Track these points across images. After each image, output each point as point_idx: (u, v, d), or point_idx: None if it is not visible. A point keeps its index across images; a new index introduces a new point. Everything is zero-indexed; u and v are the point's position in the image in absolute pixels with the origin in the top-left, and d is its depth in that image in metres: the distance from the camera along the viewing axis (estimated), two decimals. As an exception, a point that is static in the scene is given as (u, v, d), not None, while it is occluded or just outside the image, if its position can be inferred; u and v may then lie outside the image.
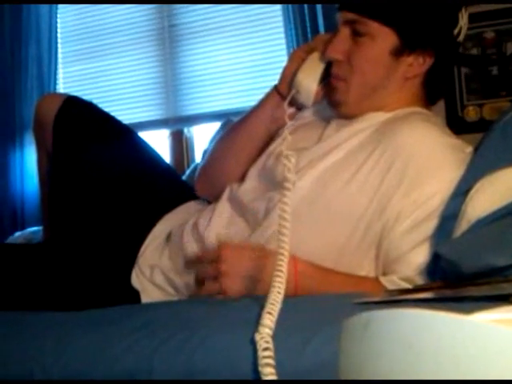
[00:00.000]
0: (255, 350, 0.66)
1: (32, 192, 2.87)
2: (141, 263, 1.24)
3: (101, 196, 1.35)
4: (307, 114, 1.27)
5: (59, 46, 3.13)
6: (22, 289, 1.24)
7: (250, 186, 1.21)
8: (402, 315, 0.27)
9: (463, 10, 1.15)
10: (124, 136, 1.45)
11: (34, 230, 2.29)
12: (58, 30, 3.12)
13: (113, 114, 1.50)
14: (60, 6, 3.11)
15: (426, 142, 1.07)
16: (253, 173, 1.23)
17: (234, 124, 1.36)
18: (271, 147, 1.25)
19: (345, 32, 1.14)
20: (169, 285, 1.20)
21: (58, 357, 0.82)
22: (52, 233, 1.44)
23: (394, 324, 0.28)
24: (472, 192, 0.96)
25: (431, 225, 1.02)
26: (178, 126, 2.99)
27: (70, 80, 3.15)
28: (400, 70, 1.14)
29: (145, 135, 2.75)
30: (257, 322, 0.71)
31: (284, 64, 1.30)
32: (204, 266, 1.04)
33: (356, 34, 1.13)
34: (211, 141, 2.30)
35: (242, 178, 1.26)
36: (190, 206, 1.35)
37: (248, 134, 1.29)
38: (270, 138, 1.28)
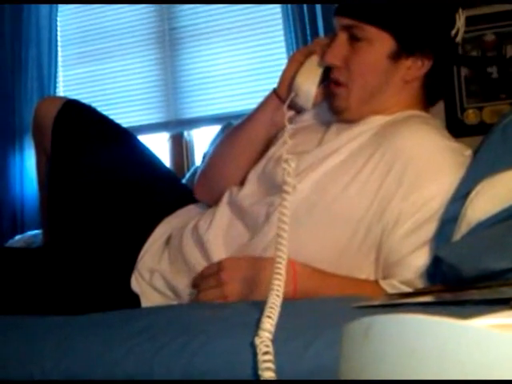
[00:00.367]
0: (255, 354, 0.66)
1: (32, 195, 2.87)
2: (140, 267, 1.24)
3: (100, 200, 1.35)
4: (306, 117, 1.27)
5: (59, 48, 3.13)
6: (21, 293, 1.24)
7: (250, 190, 1.21)
8: (404, 320, 0.27)
9: (460, 11, 1.15)
10: (123, 139, 1.45)
11: (34, 233, 2.29)
12: (58, 33, 3.12)
13: (112, 117, 1.50)
14: (60, 8, 3.11)
15: (426, 145, 1.07)
16: (252, 177, 1.23)
17: (233, 128, 1.36)
18: (271, 151, 1.25)
19: (342, 37, 1.14)
20: (168, 289, 1.20)
21: (58, 361, 0.82)
22: (51, 236, 1.44)
23: (395, 329, 0.27)
24: (472, 195, 0.96)
25: (431, 228, 1.01)
26: (177, 129, 2.99)
27: (70, 83, 3.15)
28: (399, 73, 1.14)
29: (145, 138, 2.76)
30: (256, 326, 0.71)
31: (283, 67, 1.30)
32: (206, 279, 1.06)
33: (353, 39, 1.13)
34: (211, 144, 2.30)
35: (241, 182, 1.26)
36: (190, 210, 1.34)
37: (247, 137, 1.29)
38: (270, 142, 1.28)
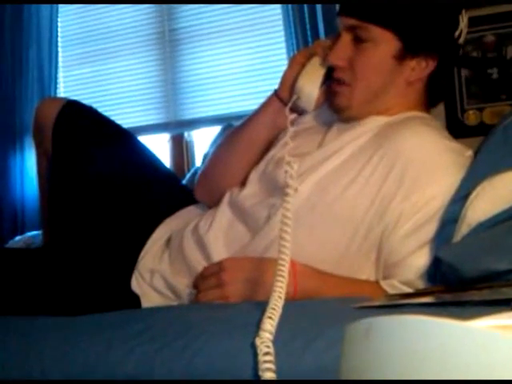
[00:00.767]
0: (256, 355, 0.66)
1: (32, 196, 2.87)
2: (141, 268, 1.24)
3: (100, 201, 1.35)
4: (307, 119, 1.27)
5: (60, 49, 3.13)
6: (22, 293, 1.24)
7: (251, 191, 1.21)
8: (405, 321, 0.27)
9: (463, 13, 1.15)
10: (124, 140, 1.45)
11: (34, 234, 2.29)
12: (59, 34, 3.12)
13: (113, 117, 1.50)
14: (61, 9, 3.11)
15: (426, 146, 1.07)
16: (253, 178, 1.23)
17: (234, 129, 1.36)
18: (271, 152, 1.24)
19: (346, 38, 1.13)
20: (169, 289, 1.20)
21: (58, 361, 0.82)
22: (52, 237, 1.44)
23: (396, 330, 0.27)
24: (472, 196, 0.96)
25: (431, 228, 1.01)
26: (178, 130, 2.99)
27: (70, 84, 3.15)
28: (403, 74, 1.14)
29: (145, 139, 2.77)
30: (257, 327, 0.71)
31: (284, 68, 1.29)
32: (207, 279, 1.06)
33: (358, 40, 1.12)
34: (211, 145, 2.30)
35: (242, 183, 1.26)
36: (190, 211, 1.34)
37: (248, 139, 1.28)
38: (270, 143, 1.28)
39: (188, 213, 1.34)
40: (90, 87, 3.10)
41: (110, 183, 1.36)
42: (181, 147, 3.00)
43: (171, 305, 1.18)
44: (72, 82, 3.15)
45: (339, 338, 0.34)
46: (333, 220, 1.08)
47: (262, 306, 0.76)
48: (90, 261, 1.28)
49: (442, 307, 0.77)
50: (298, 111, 1.26)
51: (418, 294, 0.91)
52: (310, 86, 1.20)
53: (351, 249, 1.08)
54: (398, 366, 0.27)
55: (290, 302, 0.80)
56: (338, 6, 1.19)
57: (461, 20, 1.14)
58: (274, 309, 0.73)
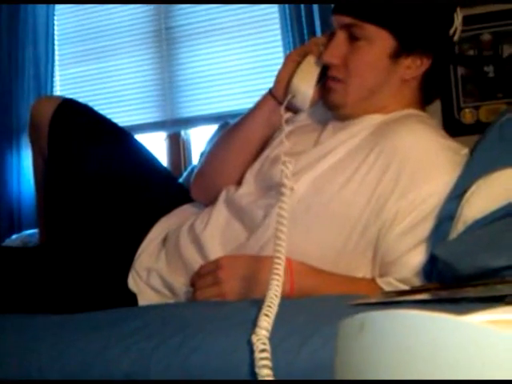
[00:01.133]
0: (252, 352, 0.67)
1: (29, 194, 2.87)
2: (137, 266, 1.24)
3: (97, 199, 1.35)
4: (302, 117, 1.27)
5: (56, 47, 3.12)
6: (19, 292, 1.24)
7: (247, 190, 1.21)
8: (398, 316, 0.27)
9: (458, 11, 1.16)
10: (120, 139, 1.45)
11: (31, 232, 2.28)
12: (55, 32, 3.12)
13: (110, 116, 1.50)
14: (57, 7, 3.10)
15: (422, 144, 1.08)
16: (249, 177, 1.23)
17: (229, 128, 1.35)
18: (267, 151, 1.24)
19: (341, 36, 1.13)
20: (165, 287, 1.20)
21: (55, 359, 0.82)
22: (48, 236, 1.44)
23: (390, 325, 0.28)
24: (468, 193, 0.96)
25: (428, 226, 1.02)
26: (175, 128, 2.99)
27: (66, 82, 3.15)
28: (398, 72, 1.14)
29: (142, 137, 2.76)
30: (254, 324, 0.71)
31: (279, 67, 1.29)
32: (203, 277, 1.06)
33: (353, 38, 1.12)
34: (208, 143, 2.29)
35: (238, 182, 1.26)
36: (186, 209, 1.34)
37: (244, 138, 1.28)
38: (266, 142, 1.28)
39: (184, 211, 1.34)
40: (86, 85, 3.09)
41: (107, 182, 1.36)
42: (177, 145, 3.00)
43: (168, 302, 1.18)
44: (68, 80, 3.14)
45: (334, 335, 0.34)
46: (329, 218, 1.08)
47: (258, 304, 0.76)
48: (86, 259, 1.28)
49: (437, 304, 0.78)
50: (293, 110, 1.26)
51: (414, 291, 0.91)
52: (305, 85, 1.20)
53: (348, 247, 1.08)
54: (391, 360, 0.27)
55: (287, 300, 0.80)
56: (333, 4, 1.18)
57: (455, 18, 1.15)
58: (270, 306, 0.74)
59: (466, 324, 0.26)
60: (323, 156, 1.13)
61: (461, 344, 0.25)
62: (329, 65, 1.16)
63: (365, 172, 1.07)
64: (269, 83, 1.31)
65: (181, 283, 1.17)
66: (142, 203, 1.36)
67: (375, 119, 1.15)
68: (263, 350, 0.65)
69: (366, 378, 0.29)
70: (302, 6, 2.58)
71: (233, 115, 2.48)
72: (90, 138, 1.40)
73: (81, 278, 1.25)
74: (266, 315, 0.71)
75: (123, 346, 0.80)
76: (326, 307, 0.84)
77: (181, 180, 2.07)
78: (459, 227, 0.94)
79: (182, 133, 3.00)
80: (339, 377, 0.31)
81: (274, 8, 2.74)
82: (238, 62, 2.84)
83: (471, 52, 2.43)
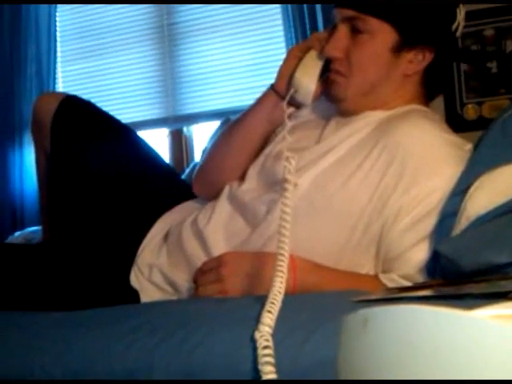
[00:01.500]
0: (255, 348, 0.66)
1: (31, 191, 2.87)
2: (139, 263, 1.24)
3: (99, 196, 1.35)
4: (305, 112, 1.27)
5: (58, 44, 3.12)
6: (21, 289, 1.24)
7: (250, 185, 1.21)
8: (401, 311, 0.27)
9: (461, 6, 1.15)
10: (123, 135, 1.45)
11: (34, 229, 2.29)
12: (57, 29, 3.12)
13: (112, 112, 1.50)
14: (59, 4, 3.11)
15: (426, 139, 1.07)
16: (252, 173, 1.23)
17: (231, 124, 1.35)
18: (270, 147, 1.24)
19: (343, 29, 1.13)
20: (167, 284, 1.20)
21: (58, 356, 0.82)
22: (51, 233, 1.44)
23: (393, 320, 0.27)
24: (471, 189, 0.96)
25: (431, 222, 1.01)
26: (177, 124, 2.99)
27: (69, 79, 3.15)
28: (400, 67, 1.14)
29: (144, 134, 2.76)
30: (257, 321, 0.71)
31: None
32: (206, 273, 1.05)
33: (355, 31, 1.12)
34: (210, 139, 2.29)
35: (240, 178, 1.25)
36: (189, 205, 1.34)
37: (246, 133, 1.28)
38: (268, 137, 1.28)
39: (186, 207, 1.34)
40: (88, 82, 3.10)
41: (109, 178, 1.36)
42: (180, 142, 3.00)
43: (170, 299, 1.18)
44: (71, 76, 3.15)
45: (337, 331, 0.34)
46: (332, 214, 1.08)
47: (261, 300, 0.76)
48: (89, 256, 1.28)
49: (440, 300, 0.77)
50: (296, 105, 1.26)
51: (417, 287, 0.91)
52: (307, 79, 1.19)
53: (351, 243, 1.08)
54: (395, 356, 0.27)
55: (290, 296, 0.80)
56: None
57: (458, 13, 1.14)
58: (273, 303, 0.74)
59: (469, 319, 0.26)
60: (326, 152, 1.13)
61: (464, 339, 0.25)
62: (331, 58, 1.16)
63: (368, 168, 1.07)
64: (271, 79, 1.31)
65: (183, 279, 1.17)
66: (144, 199, 1.36)
67: (378, 115, 1.15)
68: (266, 347, 0.65)
69: (370, 373, 0.29)
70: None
71: (235, 111, 2.48)
72: (92, 135, 1.40)
73: (83, 275, 1.25)
74: (269, 312, 0.71)
75: (126, 342, 0.80)
76: (328, 303, 0.84)
77: (183, 176, 2.07)
78: (462, 223, 0.94)
79: (185, 129, 3.01)
80: (342, 373, 0.30)
81: (276, 4, 2.73)
82: (241, 58, 2.84)
83: (474, 47, 2.43)
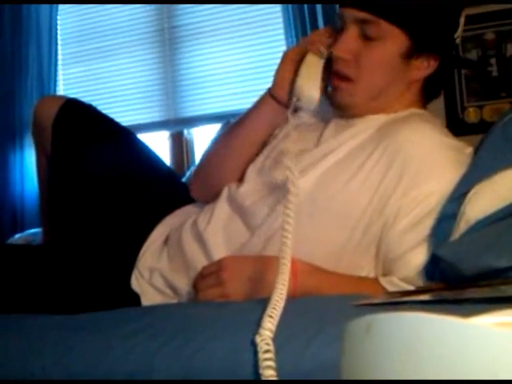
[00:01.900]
0: (256, 353, 0.66)
1: (32, 193, 2.87)
2: (140, 266, 1.24)
3: (100, 199, 1.35)
4: (303, 114, 1.25)
5: (59, 47, 3.13)
6: (21, 291, 1.24)
7: (250, 188, 1.20)
8: (405, 318, 0.27)
9: (463, 13, 1.15)
10: (123, 138, 1.45)
11: (34, 231, 2.29)
12: (58, 32, 3.12)
13: (113, 115, 1.50)
14: (60, 7, 3.11)
15: (426, 142, 1.07)
16: (251, 174, 1.22)
17: (229, 128, 1.33)
18: (268, 148, 1.24)
19: (353, 30, 1.11)
20: (168, 287, 1.20)
21: (59, 360, 0.82)
22: (52, 235, 1.44)
23: (397, 327, 0.27)
24: (471, 193, 0.96)
25: (430, 224, 1.01)
26: (177, 127, 2.99)
27: (69, 81, 3.15)
28: (407, 73, 1.13)
29: (145, 137, 2.76)
30: (258, 325, 0.71)
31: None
32: (206, 278, 1.05)
33: (365, 34, 1.10)
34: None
35: (239, 179, 1.25)
36: (189, 209, 1.34)
37: (246, 137, 1.26)
38: (266, 139, 1.27)
39: (186, 211, 1.33)
40: (89, 85, 3.10)
41: (110, 181, 1.36)
42: (180, 145, 3.00)
43: (171, 303, 1.18)
44: (71, 79, 3.15)
45: (339, 336, 0.34)
46: (332, 216, 1.08)
47: (263, 305, 0.76)
48: (89, 259, 1.28)
49: (441, 305, 0.77)
50: (297, 110, 1.24)
51: (418, 291, 0.91)
52: (311, 87, 1.16)
53: (351, 243, 1.08)
54: (398, 362, 0.27)
55: (291, 300, 0.80)
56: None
57: (461, 20, 1.14)
58: (274, 307, 0.73)
59: (472, 326, 0.26)
60: (325, 155, 1.13)
61: (468, 346, 0.25)
62: (338, 59, 1.13)
63: (369, 169, 1.07)
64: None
65: (183, 283, 1.17)
66: (145, 203, 1.35)
67: (379, 119, 1.15)
68: (267, 351, 0.65)
69: (373, 379, 0.29)
70: (305, 4, 2.58)
71: (236, 114, 2.46)
72: (93, 138, 1.40)
73: (84, 278, 1.25)
74: (271, 316, 0.71)
75: (126, 346, 0.79)
76: (330, 308, 0.84)
77: (184, 180, 2.07)
78: (461, 227, 0.94)
79: (185, 132, 3.01)
80: (345, 378, 0.31)
81: (277, 7, 2.74)
82: (242, 61, 2.84)
83: (475, 51, 2.43)
